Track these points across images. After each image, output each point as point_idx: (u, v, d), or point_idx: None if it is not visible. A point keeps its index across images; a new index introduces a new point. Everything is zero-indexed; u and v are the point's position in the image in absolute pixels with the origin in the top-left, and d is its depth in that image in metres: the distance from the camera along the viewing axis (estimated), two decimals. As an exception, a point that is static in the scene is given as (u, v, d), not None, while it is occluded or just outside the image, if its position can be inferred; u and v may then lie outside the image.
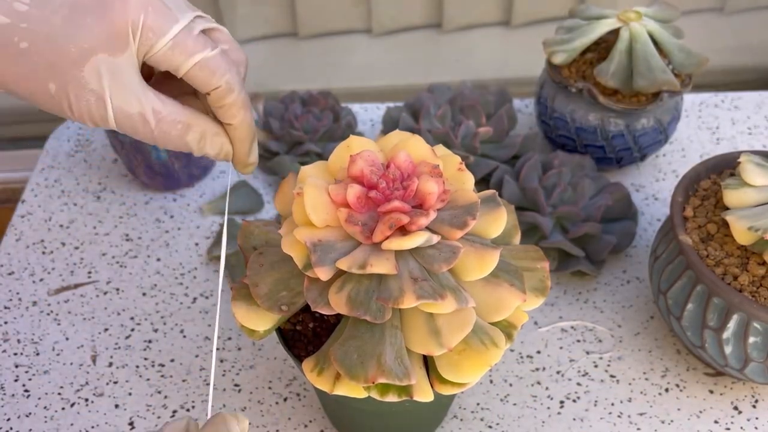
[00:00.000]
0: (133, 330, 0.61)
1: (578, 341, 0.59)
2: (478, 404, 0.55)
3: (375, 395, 0.40)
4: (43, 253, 0.66)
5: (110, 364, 0.58)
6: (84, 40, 0.38)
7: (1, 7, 0.38)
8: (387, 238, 0.39)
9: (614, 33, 0.66)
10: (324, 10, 0.91)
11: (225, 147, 0.44)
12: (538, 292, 0.44)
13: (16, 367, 0.58)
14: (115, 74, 0.39)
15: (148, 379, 0.57)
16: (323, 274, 0.39)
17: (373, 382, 0.39)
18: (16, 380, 0.58)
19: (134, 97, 0.40)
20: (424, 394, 0.41)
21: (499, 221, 0.43)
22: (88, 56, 0.38)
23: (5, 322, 0.61)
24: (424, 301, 0.38)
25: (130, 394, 0.57)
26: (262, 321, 0.43)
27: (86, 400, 0.56)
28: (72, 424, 0.55)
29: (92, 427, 0.55)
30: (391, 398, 0.40)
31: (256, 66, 0.91)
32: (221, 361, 0.58)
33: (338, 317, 0.45)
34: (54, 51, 0.38)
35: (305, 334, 0.46)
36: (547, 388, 0.56)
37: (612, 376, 0.57)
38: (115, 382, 0.57)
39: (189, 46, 0.40)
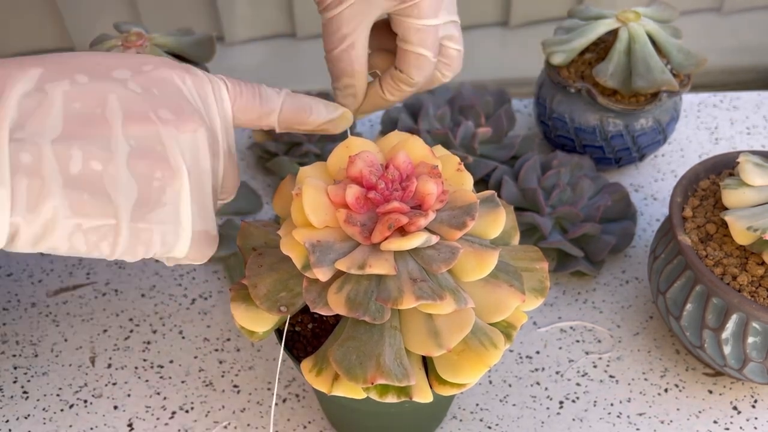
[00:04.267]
0: (131, 331, 0.60)
1: (577, 341, 0.59)
2: (477, 405, 0.55)
3: (374, 396, 0.40)
4: (42, 254, 0.66)
5: (109, 366, 0.58)
6: None
7: None
8: (386, 238, 0.39)
9: (613, 33, 0.66)
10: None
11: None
12: (537, 293, 0.44)
13: (15, 368, 0.58)
14: None
15: (147, 381, 0.57)
16: (322, 274, 0.39)
17: (372, 383, 0.39)
18: (14, 382, 0.57)
19: None
20: (423, 395, 0.41)
21: (498, 222, 0.43)
22: None
23: (4, 324, 0.61)
24: (424, 302, 0.38)
25: (129, 395, 0.57)
26: (261, 322, 0.43)
27: (85, 401, 0.56)
28: (71, 426, 0.55)
29: (91, 428, 0.55)
30: (390, 399, 0.40)
31: (254, 67, 0.91)
32: (220, 362, 0.58)
33: (337, 318, 0.45)
34: None
35: (304, 334, 0.46)
36: (546, 389, 0.56)
37: (611, 377, 0.57)
38: (114, 384, 0.57)
39: None
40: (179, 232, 0.38)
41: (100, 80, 0.37)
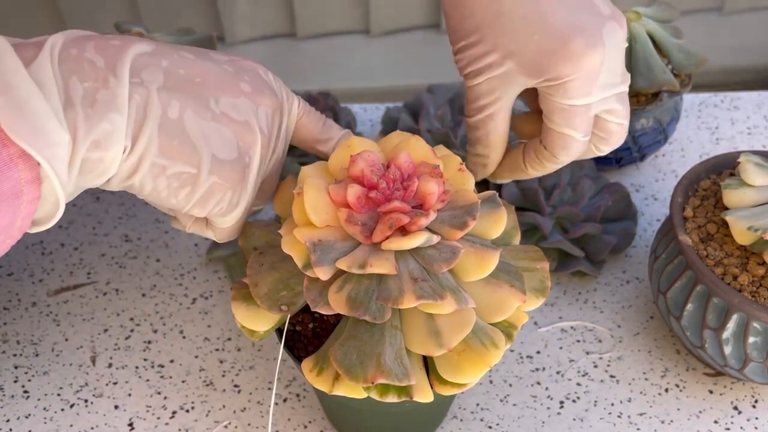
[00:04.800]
0: (132, 331, 0.60)
1: (578, 341, 0.59)
2: (477, 404, 0.55)
3: (374, 395, 0.40)
4: (42, 253, 0.66)
5: (110, 365, 0.58)
6: None
7: None
8: (387, 238, 0.39)
9: (614, 33, 0.66)
10: (322, 10, 0.91)
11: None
12: (538, 293, 0.44)
13: (16, 368, 0.58)
14: None
15: (147, 380, 0.57)
16: (323, 273, 0.39)
17: (373, 383, 0.39)
18: (15, 381, 0.57)
19: None
20: (423, 395, 0.41)
21: (499, 222, 0.43)
22: None
23: (4, 323, 0.61)
24: (424, 302, 0.38)
25: (129, 394, 0.57)
26: (262, 321, 0.43)
27: (86, 401, 0.56)
28: (71, 425, 0.55)
29: (92, 428, 0.55)
30: (391, 398, 0.40)
31: (255, 66, 0.91)
32: (220, 361, 0.58)
33: (338, 317, 0.45)
34: None
35: (305, 334, 0.46)
36: (546, 389, 0.56)
37: (612, 377, 0.57)
38: (115, 383, 0.57)
39: None
40: (243, 196, 0.42)
41: (201, 58, 0.41)
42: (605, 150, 0.46)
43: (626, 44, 0.43)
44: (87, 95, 0.35)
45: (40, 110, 0.34)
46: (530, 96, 0.48)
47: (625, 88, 0.44)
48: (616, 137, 0.45)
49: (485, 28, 0.42)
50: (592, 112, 0.43)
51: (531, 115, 0.48)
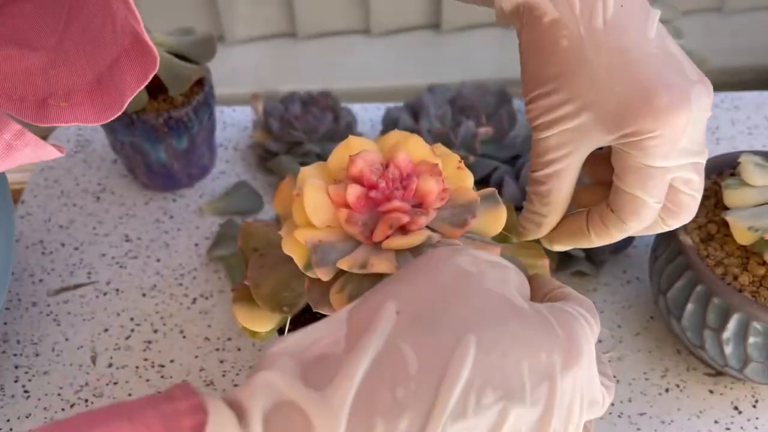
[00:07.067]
0: (132, 331, 0.60)
1: (578, 341, 0.59)
2: (478, 404, 0.55)
3: (375, 395, 0.40)
4: (43, 253, 0.66)
5: (110, 365, 0.58)
6: None
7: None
8: (387, 237, 0.39)
9: (614, 33, 0.66)
10: (322, 10, 0.91)
11: None
12: (538, 291, 0.44)
13: (16, 368, 0.58)
14: None
15: (147, 380, 0.57)
16: (324, 274, 0.39)
17: (374, 383, 0.38)
18: (15, 381, 0.57)
19: None
20: (424, 395, 0.41)
21: (499, 219, 0.43)
22: None
23: (5, 323, 0.61)
24: (425, 301, 0.38)
25: (129, 394, 0.57)
26: (264, 322, 0.43)
27: (86, 400, 0.56)
28: (72, 425, 0.55)
29: (92, 428, 0.55)
30: (392, 398, 0.40)
31: (254, 66, 0.91)
32: (220, 361, 0.58)
33: (338, 317, 0.45)
34: None
35: (306, 334, 0.46)
36: (547, 389, 0.56)
37: (612, 376, 0.57)
38: (115, 383, 0.57)
39: None
40: None
41: None
42: (673, 225, 0.42)
43: (710, 113, 0.40)
44: None
45: None
46: (594, 165, 0.44)
47: (703, 160, 0.41)
48: (687, 211, 0.42)
49: (564, 76, 0.40)
50: (670, 176, 0.40)
51: (593, 187, 0.45)
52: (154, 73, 0.39)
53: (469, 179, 0.43)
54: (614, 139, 0.40)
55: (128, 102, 0.39)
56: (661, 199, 0.41)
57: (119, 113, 0.39)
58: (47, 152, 0.39)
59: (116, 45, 0.39)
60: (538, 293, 0.39)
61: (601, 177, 0.44)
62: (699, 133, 0.40)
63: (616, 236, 0.42)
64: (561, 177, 0.41)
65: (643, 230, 0.43)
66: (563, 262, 0.62)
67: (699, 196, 0.42)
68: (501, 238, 0.45)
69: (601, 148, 0.42)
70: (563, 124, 0.40)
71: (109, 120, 0.39)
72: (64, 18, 0.40)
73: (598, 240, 0.43)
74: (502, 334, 0.31)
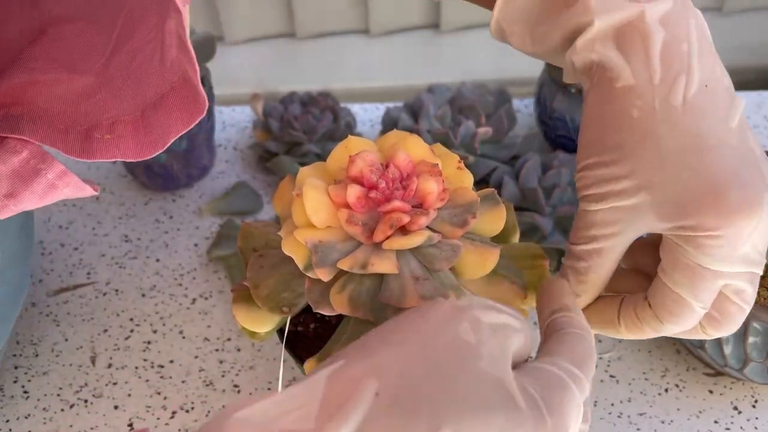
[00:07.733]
0: (132, 331, 0.60)
1: (578, 341, 0.59)
2: (478, 405, 0.55)
3: (376, 396, 0.40)
4: (42, 254, 0.66)
5: (109, 365, 0.58)
6: None
7: None
8: (388, 237, 0.39)
9: (613, 33, 0.66)
10: (322, 10, 0.91)
11: None
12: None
13: (15, 368, 0.58)
14: None
15: (147, 380, 0.57)
16: (324, 274, 0.39)
17: (374, 383, 0.38)
18: (15, 381, 0.57)
19: None
20: (424, 395, 0.41)
21: (499, 219, 0.43)
22: None
23: (4, 324, 0.61)
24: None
25: (129, 395, 0.57)
26: (264, 323, 0.43)
27: (85, 401, 0.56)
28: (71, 426, 0.55)
29: (91, 428, 0.55)
30: (392, 399, 0.40)
31: (254, 66, 0.91)
32: (220, 362, 0.58)
33: (340, 318, 0.45)
34: None
35: (306, 335, 0.46)
36: (547, 389, 0.56)
37: (612, 376, 0.57)
38: (115, 383, 0.57)
39: None
40: None
41: None
42: (712, 335, 0.38)
43: None
44: None
45: None
46: (638, 251, 0.40)
47: (760, 271, 0.36)
48: (731, 323, 0.37)
49: (628, 148, 0.36)
50: (721, 282, 0.36)
51: (632, 274, 0.41)
52: (200, 118, 0.37)
53: (468, 179, 0.43)
54: (669, 228, 0.36)
55: (170, 143, 0.38)
56: (708, 305, 0.36)
57: (159, 153, 0.38)
58: (84, 192, 0.38)
59: (163, 80, 0.37)
60: (545, 310, 0.38)
61: (644, 266, 0.40)
62: (763, 243, 0.36)
63: (648, 334, 0.38)
64: (603, 256, 0.38)
65: (679, 333, 0.38)
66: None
67: (748, 310, 0.37)
68: (501, 238, 0.45)
69: (650, 234, 0.39)
70: (617, 201, 0.36)
71: (147, 158, 0.38)
72: (113, 41, 0.39)
73: (627, 334, 0.39)
74: (484, 429, 0.29)
